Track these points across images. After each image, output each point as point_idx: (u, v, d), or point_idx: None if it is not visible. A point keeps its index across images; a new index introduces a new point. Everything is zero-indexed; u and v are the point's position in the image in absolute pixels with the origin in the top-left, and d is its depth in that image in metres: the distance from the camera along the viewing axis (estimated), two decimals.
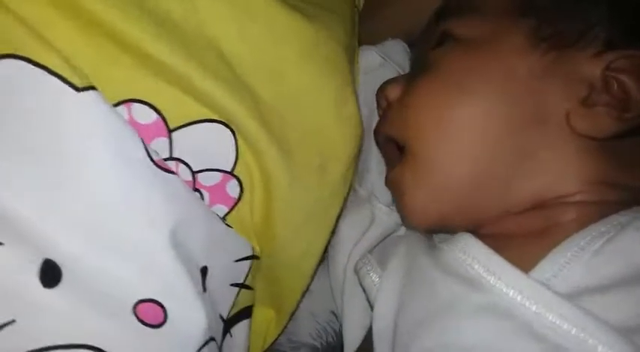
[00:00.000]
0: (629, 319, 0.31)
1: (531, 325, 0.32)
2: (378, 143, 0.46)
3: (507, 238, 0.38)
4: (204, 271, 0.36)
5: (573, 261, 0.33)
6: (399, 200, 0.42)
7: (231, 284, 0.39)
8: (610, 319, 0.31)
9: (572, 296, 0.32)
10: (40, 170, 0.30)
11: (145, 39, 0.32)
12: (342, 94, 0.41)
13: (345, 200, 0.44)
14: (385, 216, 0.46)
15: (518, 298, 0.32)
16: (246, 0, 0.36)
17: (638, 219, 0.34)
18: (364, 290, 0.43)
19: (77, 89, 0.30)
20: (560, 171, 0.37)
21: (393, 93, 0.43)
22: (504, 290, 0.33)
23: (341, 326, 0.47)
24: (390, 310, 0.39)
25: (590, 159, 0.37)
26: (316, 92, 0.39)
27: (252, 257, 0.39)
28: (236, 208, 0.38)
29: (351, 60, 0.44)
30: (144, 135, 0.34)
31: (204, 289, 0.36)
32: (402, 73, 0.49)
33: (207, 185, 0.37)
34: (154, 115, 0.34)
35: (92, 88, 0.31)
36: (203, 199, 0.37)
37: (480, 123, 0.38)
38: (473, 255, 0.35)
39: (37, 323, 0.30)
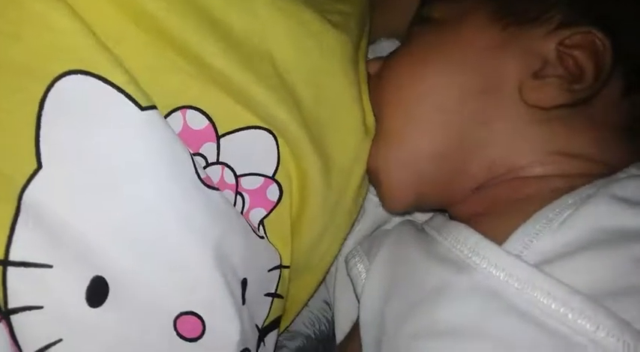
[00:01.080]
0: (598, 282, 0.32)
1: (515, 302, 0.33)
2: None
3: (477, 216, 0.40)
4: (244, 283, 0.37)
5: (542, 232, 0.34)
6: (375, 181, 0.44)
7: (266, 294, 0.41)
8: (578, 284, 0.32)
9: (542, 266, 0.33)
10: (98, 184, 0.32)
11: (204, 48, 0.35)
12: (367, 105, 0.44)
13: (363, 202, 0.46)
14: (375, 207, 0.48)
15: (501, 276, 0.34)
16: (300, 16, 0.39)
17: (604, 187, 0.35)
18: (351, 281, 0.44)
19: (141, 108, 0.32)
20: (514, 141, 0.40)
21: (373, 68, 0.46)
22: (488, 268, 0.34)
23: (333, 314, 0.49)
24: (376, 301, 0.41)
25: (542, 130, 0.39)
26: (350, 101, 0.42)
27: (280, 266, 0.41)
28: (274, 211, 0.40)
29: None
30: (195, 140, 0.36)
31: (244, 301, 0.37)
32: None
33: (250, 188, 0.39)
34: (206, 122, 0.36)
35: (154, 107, 0.33)
36: (244, 202, 0.39)
37: (439, 95, 0.41)
38: (462, 240, 0.37)
39: (83, 341, 0.32)
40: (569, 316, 0.31)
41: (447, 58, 0.42)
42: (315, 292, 0.47)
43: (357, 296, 0.44)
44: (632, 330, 0.30)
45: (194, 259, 0.34)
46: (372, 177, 0.44)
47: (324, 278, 0.47)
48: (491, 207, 0.40)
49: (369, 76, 0.46)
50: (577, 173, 0.38)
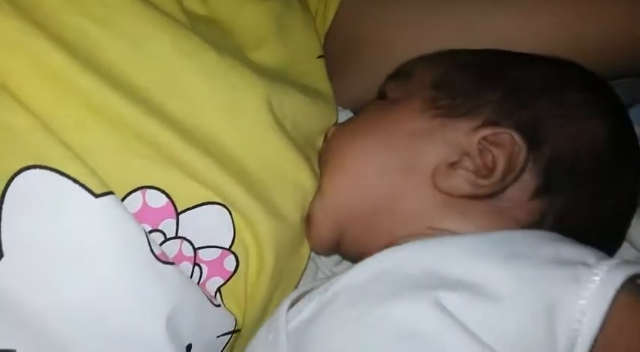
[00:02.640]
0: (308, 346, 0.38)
1: None
2: None
3: None
4: (188, 348, 0.39)
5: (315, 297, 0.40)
6: (307, 223, 0.47)
7: None
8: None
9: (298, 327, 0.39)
10: (55, 269, 0.34)
11: (158, 131, 0.37)
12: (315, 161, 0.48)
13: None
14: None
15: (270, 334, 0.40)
16: (236, 100, 0.41)
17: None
18: None
19: (95, 195, 0.34)
20: (416, 214, 0.43)
21: (329, 133, 0.50)
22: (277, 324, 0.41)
23: None
24: None
25: (443, 211, 0.43)
26: (294, 165, 0.45)
27: (234, 331, 0.43)
28: (231, 280, 0.42)
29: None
30: (154, 217, 0.38)
31: None
32: None
33: (207, 259, 0.41)
34: (165, 200, 0.38)
35: (109, 193, 0.35)
36: (202, 272, 0.41)
37: (364, 165, 0.46)
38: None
39: None
40: None
41: (378, 134, 0.46)
42: None
43: None
44: None
45: (146, 332, 0.36)
46: (305, 220, 0.47)
47: None
48: None
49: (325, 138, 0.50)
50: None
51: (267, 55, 0.48)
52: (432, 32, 0.54)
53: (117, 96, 0.36)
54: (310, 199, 0.46)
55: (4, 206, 0.32)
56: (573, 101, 0.44)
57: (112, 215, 0.35)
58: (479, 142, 0.42)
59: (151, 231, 0.38)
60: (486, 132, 0.42)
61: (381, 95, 0.49)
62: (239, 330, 0.44)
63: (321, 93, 0.51)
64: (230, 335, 0.43)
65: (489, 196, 0.42)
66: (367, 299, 0.37)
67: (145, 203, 0.37)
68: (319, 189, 0.47)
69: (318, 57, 0.53)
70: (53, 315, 0.33)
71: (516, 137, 0.41)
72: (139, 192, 0.37)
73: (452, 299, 0.34)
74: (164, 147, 0.37)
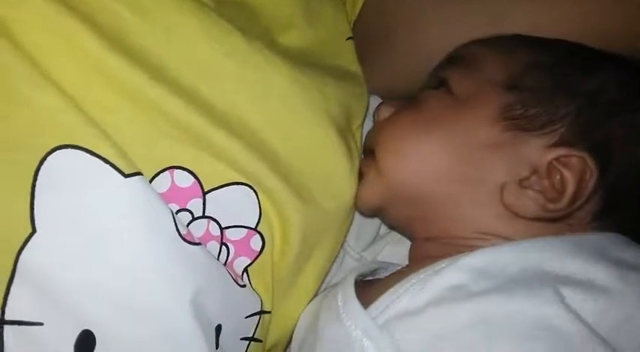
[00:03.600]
0: (422, 339, 0.37)
1: None
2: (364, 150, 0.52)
3: (409, 260, 0.47)
4: (218, 329, 0.40)
5: (403, 294, 0.39)
6: (359, 192, 0.48)
7: (242, 339, 0.43)
8: (409, 339, 0.37)
9: (392, 322, 0.38)
10: (85, 246, 0.35)
11: (186, 112, 0.38)
12: (348, 145, 0.47)
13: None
14: (354, 261, 0.52)
15: (358, 333, 0.39)
16: (263, 82, 0.42)
17: (473, 252, 0.39)
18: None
19: (125, 175, 0.35)
20: (473, 223, 0.43)
21: (383, 114, 0.50)
22: (349, 324, 0.40)
23: None
24: (296, 344, 0.46)
25: (503, 224, 0.42)
26: (330, 148, 0.45)
27: (261, 312, 0.44)
28: (257, 260, 0.43)
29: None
30: (183, 197, 0.39)
31: (217, 346, 0.40)
32: None
33: (234, 239, 0.42)
34: (192, 179, 0.39)
35: (137, 173, 0.36)
36: (229, 252, 0.42)
37: (427, 163, 0.45)
38: (341, 297, 0.42)
39: None
40: None
41: (446, 136, 0.45)
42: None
43: None
44: None
45: (174, 312, 0.37)
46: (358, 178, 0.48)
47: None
48: (413, 256, 0.46)
49: (378, 119, 0.50)
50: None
51: (295, 37, 0.48)
52: (463, 19, 0.54)
53: (146, 77, 0.37)
54: (345, 183, 0.46)
55: (38, 183, 0.34)
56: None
57: (139, 195, 0.36)
58: (550, 162, 0.41)
59: (178, 211, 0.39)
60: (560, 152, 0.41)
61: (441, 82, 0.47)
62: (268, 312, 0.44)
63: (353, 74, 0.51)
64: (259, 316, 0.43)
65: (553, 220, 0.42)
66: (483, 296, 0.37)
67: (173, 183, 0.38)
68: (378, 165, 0.47)
69: (348, 38, 0.53)
70: (81, 291, 0.35)
71: (590, 162, 0.40)
72: (167, 172, 0.38)
73: (567, 293, 0.35)
74: (192, 128, 0.38)
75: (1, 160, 0.34)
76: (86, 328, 0.35)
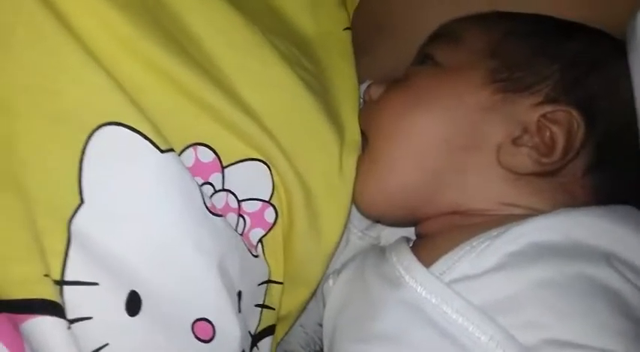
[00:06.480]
0: (495, 299, 0.37)
1: (432, 315, 0.38)
2: None
3: (429, 237, 0.46)
4: (239, 295, 0.43)
5: (463, 257, 0.40)
6: (355, 185, 0.48)
7: (256, 305, 0.46)
8: (479, 300, 0.38)
9: (455, 284, 0.39)
10: (128, 215, 0.38)
11: (207, 92, 0.42)
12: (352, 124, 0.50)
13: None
14: (359, 240, 0.53)
15: (423, 292, 0.39)
16: (269, 74, 0.46)
17: (524, 221, 0.40)
18: (322, 295, 0.49)
19: (161, 151, 0.38)
20: (481, 191, 0.44)
21: (374, 94, 0.50)
22: (413, 285, 0.40)
23: None
24: (332, 313, 0.47)
25: (509, 186, 0.44)
26: (332, 141, 0.48)
27: (268, 281, 0.47)
28: (271, 231, 0.46)
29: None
30: (205, 171, 0.42)
31: (240, 310, 0.43)
32: None
33: (250, 211, 0.45)
34: (212, 155, 0.43)
35: (171, 149, 0.39)
36: (245, 223, 0.45)
37: (425, 137, 0.46)
38: (400, 260, 0.43)
39: (125, 345, 0.37)
40: (470, 329, 0.37)
41: (439, 107, 0.46)
42: (307, 303, 0.52)
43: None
44: (516, 343, 0.35)
45: (204, 275, 0.40)
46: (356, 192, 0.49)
47: (318, 285, 0.52)
48: (441, 228, 0.45)
49: (369, 99, 0.51)
50: (518, 214, 0.43)
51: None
52: (463, 3, 0.53)
53: (176, 62, 0.40)
54: (334, 162, 0.48)
55: (85, 157, 0.37)
56: (618, 75, 0.44)
57: (174, 169, 0.39)
58: (538, 119, 0.43)
59: (202, 184, 0.42)
60: (547, 109, 0.43)
61: (426, 57, 0.49)
62: (278, 282, 0.47)
63: (338, 66, 0.54)
64: (266, 285, 0.47)
65: (551, 174, 0.43)
66: (541, 261, 0.38)
67: (197, 158, 0.42)
68: (372, 161, 0.47)
69: (345, 29, 0.56)
70: (128, 257, 0.38)
71: (576, 115, 0.42)
72: (191, 149, 0.42)
73: (614, 261, 0.37)
74: (213, 107, 0.42)
75: (52, 133, 0.36)
76: (133, 289, 0.38)
